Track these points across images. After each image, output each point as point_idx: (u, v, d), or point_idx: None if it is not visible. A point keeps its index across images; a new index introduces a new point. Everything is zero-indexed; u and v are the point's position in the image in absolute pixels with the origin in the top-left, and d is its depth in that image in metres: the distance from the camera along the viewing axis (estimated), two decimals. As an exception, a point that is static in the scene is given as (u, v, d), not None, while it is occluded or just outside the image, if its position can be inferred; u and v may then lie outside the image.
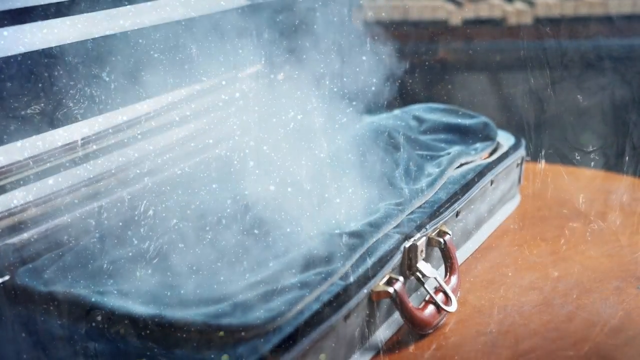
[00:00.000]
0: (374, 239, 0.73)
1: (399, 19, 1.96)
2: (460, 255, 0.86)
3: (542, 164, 1.05)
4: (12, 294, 0.65)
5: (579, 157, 1.03)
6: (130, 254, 0.69)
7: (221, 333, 0.59)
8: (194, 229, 0.73)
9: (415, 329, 0.71)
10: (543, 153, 1.01)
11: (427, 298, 0.74)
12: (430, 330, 0.73)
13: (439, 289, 0.75)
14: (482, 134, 0.97)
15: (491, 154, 0.96)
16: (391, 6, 1.96)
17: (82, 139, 0.76)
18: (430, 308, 0.73)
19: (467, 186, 0.86)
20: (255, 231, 0.72)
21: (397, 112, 1.04)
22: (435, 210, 0.80)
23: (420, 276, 0.75)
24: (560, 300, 0.78)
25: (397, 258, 0.72)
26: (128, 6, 0.82)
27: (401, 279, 0.70)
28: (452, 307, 0.74)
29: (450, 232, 0.79)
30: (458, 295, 0.77)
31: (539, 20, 1.94)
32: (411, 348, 0.71)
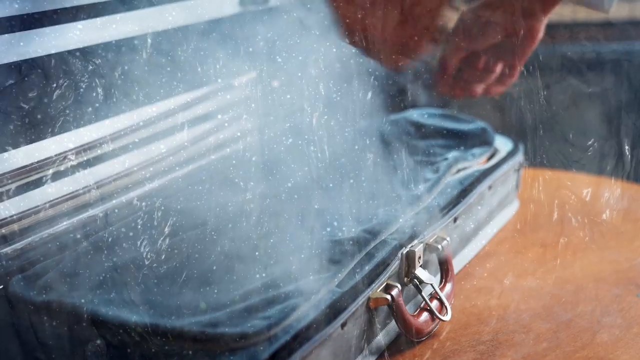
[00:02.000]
0: (372, 246, 0.72)
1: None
2: (459, 262, 0.86)
3: (540, 169, 1.05)
4: (6, 303, 0.65)
5: (578, 162, 1.03)
6: (125, 262, 0.69)
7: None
8: (190, 237, 0.72)
9: (409, 336, 0.71)
10: (541, 158, 1.01)
11: (422, 305, 0.74)
12: (424, 338, 0.72)
13: (434, 296, 0.75)
14: (479, 139, 0.97)
15: (489, 159, 0.96)
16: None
17: (76, 148, 0.76)
18: (425, 315, 0.73)
19: (464, 192, 0.86)
20: (252, 238, 0.72)
21: (394, 117, 1.03)
22: (433, 216, 0.80)
23: (418, 283, 0.74)
24: (560, 307, 0.78)
25: (394, 265, 0.72)
26: (126, 12, 0.82)
27: (399, 285, 0.70)
28: (447, 315, 0.74)
29: (448, 238, 0.79)
30: (452, 301, 0.76)
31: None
32: (409, 355, 0.70)
